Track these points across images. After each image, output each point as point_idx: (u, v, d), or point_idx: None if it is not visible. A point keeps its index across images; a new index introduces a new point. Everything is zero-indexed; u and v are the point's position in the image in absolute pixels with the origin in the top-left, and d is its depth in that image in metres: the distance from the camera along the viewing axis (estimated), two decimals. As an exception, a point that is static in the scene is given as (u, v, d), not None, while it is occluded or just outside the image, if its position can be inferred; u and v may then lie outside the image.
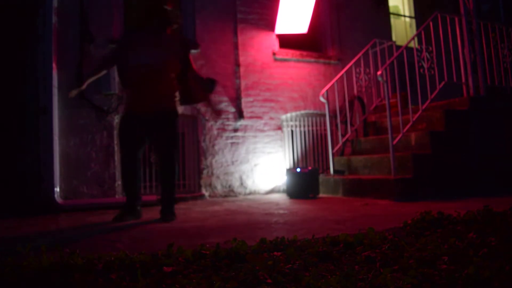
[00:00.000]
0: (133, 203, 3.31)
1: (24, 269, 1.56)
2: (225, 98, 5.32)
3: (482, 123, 4.73)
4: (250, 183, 5.34)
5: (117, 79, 4.65)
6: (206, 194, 5.10)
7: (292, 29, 5.77)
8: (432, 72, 4.64)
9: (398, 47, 5.48)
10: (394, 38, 6.75)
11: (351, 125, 5.54)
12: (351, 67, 5.54)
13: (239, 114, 5.38)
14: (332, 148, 5.36)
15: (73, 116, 4.52)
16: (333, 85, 5.37)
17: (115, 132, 4.71)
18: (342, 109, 5.51)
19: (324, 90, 5.33)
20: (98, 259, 1.72)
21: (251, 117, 5.45)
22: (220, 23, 5.42)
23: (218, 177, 5.19)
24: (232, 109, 5.36)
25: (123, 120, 3.43)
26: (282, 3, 5.55)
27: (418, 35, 4.69)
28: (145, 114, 3.24)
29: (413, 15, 7.38)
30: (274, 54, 5.70)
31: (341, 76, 5.42)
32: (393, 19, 7.04)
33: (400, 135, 4.39)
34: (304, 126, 5.88)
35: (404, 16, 7.47)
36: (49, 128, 4.29)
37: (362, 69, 5.74)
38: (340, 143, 5.44)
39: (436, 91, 4.61)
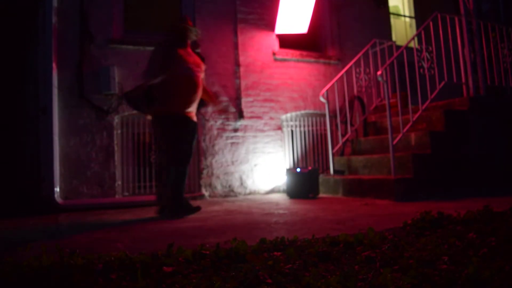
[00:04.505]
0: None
1: (24, 269, 1.56)
2: (225, 98, 5.31)
3: (482, 123, 4.73)
4: (250, 183, 5.34)
5: (117, 79, 4.66)
6: (206, 194, 5.10)
7: (292, 29, 5.77)
8: (432, 72, 4.64)
9: (398, 47, 5.48)
10: (394, 38, 6.75)
11: (351, 125, 5.55)
12: (351, 67, 5.54)
13: (239, 114, 5.38)
14: (332, 148, 5.36)
15: (73, 116, 4.52)
16: (333, 85, 5.37)
17: (115, 132, 4.71)
18: (342, 109, 5.51)
19: (324, 90, 5.33)
20: (98, 259, 1.71)
21: (251, 117, 5.45)
22: (220, 23, 5.42)
23: (218, 177, 5.19)
24: (232, 109, 5.36)
25: (184, 124, 3.62)
26: (282, 3, 5.55)
27: (418, 35, 4.68)
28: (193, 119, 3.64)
29: (413, 15, 7.38)
30: (274, 54, 5.70)
31: (341, 76, 5.42)
32: (393, 19, 7.04)
33: (400, 135, 4.39)
34: (304, 126, 5.88)
35: (404, 16, 7.47)
36: (49, 128, 4.30)
37: (362, 69, 5.75)
38: (340, 143, 5.44)
39: (436, 91, 4.61)
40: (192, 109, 3.62)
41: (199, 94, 3.66)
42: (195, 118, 3.66)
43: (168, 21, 5.28)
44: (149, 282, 1.45)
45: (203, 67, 3.76)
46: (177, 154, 3.52)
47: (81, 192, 4.48)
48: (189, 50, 3.74)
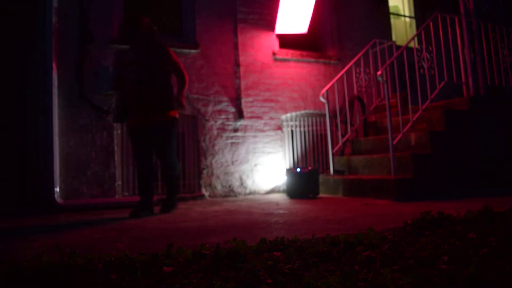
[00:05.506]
0: (148, 200, 3.65)
1: (24, 269, 1.56)
2: (225, 98, 5.32)
3: (482, 123, 4.73)
4: (250, 183, 5.34)
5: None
6: (206, 194, 5.10)
7: (292, 29, 5.77)
8: (432, 72, 4.64)
9: (398, 47, 5.48)
10: (394, 38, 6.75)
11: (351, 125, 5.55)
12: (351, 67, 5.54)
13: (239, 114, 5.38)
14: (332, 148, 5.36)
15: (73, 116, 4.52)
16: (333, 85, 5.37)
17: (115, 132, 4.72)
18: (342, 109, 5.51)
19: (324, 90, 5.34)
20: (98, 259, 1.71)
21: (251, 117, 5.46)
22: (220, 23, 5.42)
23: (218, 177, 5.19)
24: (232, 109, 5.36)
25: (128, 130, 3.80)
26: (282, 3, 5.55)
27: (418, 35, 4.69)
28: (144, 124, 3.63)
29: (413, 15, 7.38)
30: (274, 54, 5.70)
31: (341, 76, 5.42)
32: (393, 19, 7.04)
33: (400, 135, 4.39)
34: (304, 126, 5.88)
35: (404, 16, 7.47)
36: (49, 128, 4.29)
37: (362, 69, 5.75)
38: (340, 143, 5.44)
39: (436, 91, 4.61)
40: (140, 113, 3.60)
41: (144, 93, 3.58)
42: (147, 119, 3.60)
43: (168, 21, 5.32)
44: (149, 282, 1.45)
45: (150, 61, 3.61)
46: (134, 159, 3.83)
47: (81, 192, 4.48)
48: (138, 49, 3.66)
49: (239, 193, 5.26)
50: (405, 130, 4.42)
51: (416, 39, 5.09)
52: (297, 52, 5.89)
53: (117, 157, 4.69)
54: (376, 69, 5.56)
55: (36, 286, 1.48)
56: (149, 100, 3.59)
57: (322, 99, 5.37)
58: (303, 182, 4.75)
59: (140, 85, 3.59)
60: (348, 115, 5.54)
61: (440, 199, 3.87)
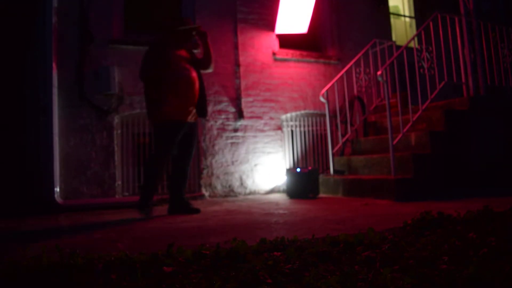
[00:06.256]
0: (151, 200, 3.60)
1: (24, 269, 1.56)
2: (225, 98, 5.32)
3: (482, 123, 4.73)
4: (250, 183, 5.34)
5: (117, 79, 4.66)
6: (206, 194, 5.10)
7: (292, 29, 5.77)
8: (432, 72, 4.64)
9: (398, 47, 5.48)
10: (394, 38, 6.75)
11: (351, 125, 5.55)
12: (351, 67, 5.54)
13: (239, 114, 5.38)
14: (332, 148, 5.36)
15: (73, 116, 4.52)
16: (333, 85, 5.37)
17: (115, 132, 4.72)
18: (342, 109, 5.52)
19: (324, 90, 5.34)
20: (98, 259, 1.71)
21: (251, 117, 5.45)
22: (220, 23, 5.42)
23: (218, 177, 5.19)
24: (232, 109, 5.36)
25: (174, 127, 3.57)
26: (282, 3, 5.55)
27: (418, 35, 4.68)
28: (188, 122, 3.64)
29: (413, 15, 7.39)
30: (274, 54, 5.70)
31: (341, 76, 5.42)
32: (393, 19, 7.04)
33: (400, 135, 4.39)
34: (304, 126, 5.88)
35: (404, 16, 7.48)
36: (49, 128, 4.30)
37: (362, 69, 5.75)
38: (340, 143, 5.44)
39: (436, 91, 4.61)
40: (189, 110, 3.62)
41: (196, 93, 3.64)
42: (192, 118, 3.65)
43: (168, 20, 5.31)
44: (149, 282, 1.45)
45: (195, 67, 3.69)
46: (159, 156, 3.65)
47: (81, 192, 4.48)
48: (184, 51, 3.70)
49: (239, 193, 5.26)
50: (405, 130, 4.42)
51: (416, 39, 5.08)
52: (297, 52, 5.88)
53: (117, 157, 4.70)
54: (376, 69, 5.56)
55: (36, 286, 1.48)
56: (197, 99, 3.66)
57: (322, 99, 5.37)
58: (303, 182, 4.75)
59: (194, 84, 3.61)
60: (348, 115, 5.54)
61: (440, 199, 3.86)
